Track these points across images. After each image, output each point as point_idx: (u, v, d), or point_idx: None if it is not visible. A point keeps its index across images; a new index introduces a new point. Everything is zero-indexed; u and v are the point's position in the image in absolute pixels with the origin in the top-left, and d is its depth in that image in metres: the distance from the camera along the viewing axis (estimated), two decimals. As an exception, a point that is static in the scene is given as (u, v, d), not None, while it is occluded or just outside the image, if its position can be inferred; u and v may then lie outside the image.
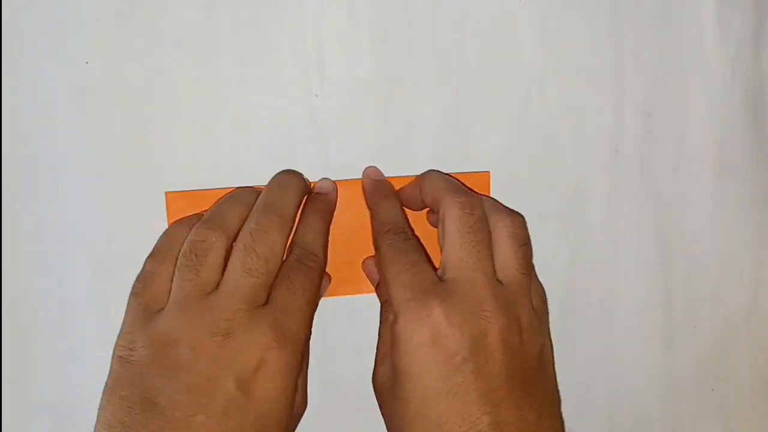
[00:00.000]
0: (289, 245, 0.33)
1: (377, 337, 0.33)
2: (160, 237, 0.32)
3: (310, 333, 0.32)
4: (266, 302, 0.30)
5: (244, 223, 0.32)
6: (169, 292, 0.30)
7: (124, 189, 0.35)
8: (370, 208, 0.35)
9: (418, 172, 0.37)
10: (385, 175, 0.36)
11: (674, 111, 0.39)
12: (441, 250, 0.32)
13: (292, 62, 0.36)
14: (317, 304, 0.32)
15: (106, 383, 0.29)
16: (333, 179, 0.35)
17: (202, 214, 0.32)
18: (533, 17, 0.37)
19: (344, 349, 0.38)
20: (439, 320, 0.29)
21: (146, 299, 0.30)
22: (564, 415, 0.39)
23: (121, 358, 0.29)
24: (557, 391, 0.32)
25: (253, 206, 0.32)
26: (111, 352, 0.32)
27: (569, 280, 0.39)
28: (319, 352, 0.35)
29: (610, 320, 0.40)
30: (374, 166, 0.36)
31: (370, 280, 0.36)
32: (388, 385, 0.31)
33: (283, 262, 0.32)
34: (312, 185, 0.35)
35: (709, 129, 0.39)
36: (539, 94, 0.38)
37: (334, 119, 0.36)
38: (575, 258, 0.39)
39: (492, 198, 0.35)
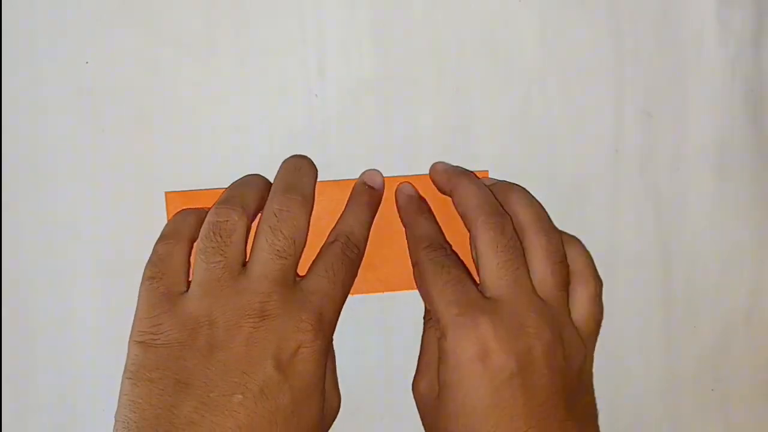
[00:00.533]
0: (333, 232, 0.33)
1: (420, 346, 0.34)
2: (168, 223, 0.32)
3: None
4: (297, 283, 0.30)
5: (261, 204, 0.32)
6: (187, 274, 0.31)
7: (124, 189, 0.35)
8: (405, 224, 0.35)
9: (419, 173, 0.37)
10: (386, 174, 0.36)
11: (674, 111, 0.39)
12: (477, 268, 0.32)
13: (292, 62, 0.36)
14: (350, 289, 0.32)
15: (127, 369, 0.29)
16: (333, 179, 0.35)
17: (205, 209, 0.32)
18: (533, 17, 0.37)
19: (344, 348, 0.38)
20: (487, 336, 0.29)
21: (165, 283, 0.30)
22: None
23: (144, 344, 0.29)
24: (595, 406, 0.33)
25: (265, 189, 0.32)
26: (110, 352, 0.32)
27: (569, 280, 0.39)
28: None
29: (610, 320, 0.39)
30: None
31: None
32: (431, 396, 0.32)
33: (323, 247, 0.32)
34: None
35: (709, 129, 0.39)
36: (539, 94, 0.38)
37: (334, 119, 0.36)
38: (575, 258, 0.39)
39: (534, 208, 0.34)
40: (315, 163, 0.35)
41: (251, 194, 0.32)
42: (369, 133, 0.36)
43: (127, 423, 0.27)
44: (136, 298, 0.30)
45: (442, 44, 0.37)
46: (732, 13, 0.39)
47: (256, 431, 0.27)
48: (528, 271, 0.32)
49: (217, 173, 0.35)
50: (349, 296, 0.34)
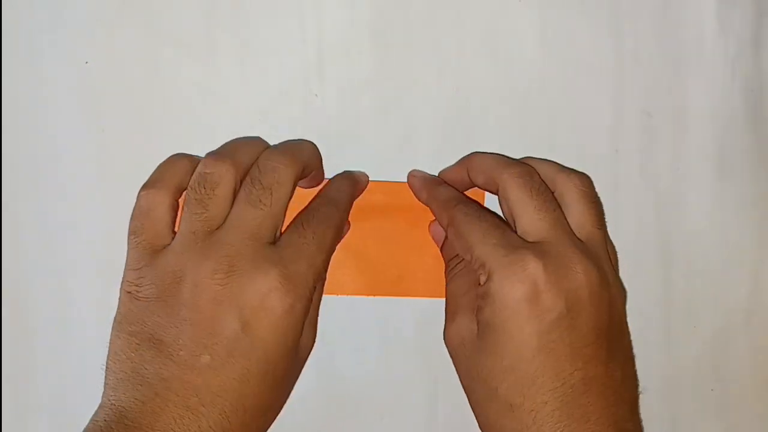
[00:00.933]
0: (314, 197, 0.32)
1: (447, 296, 0.33)
2: (157, 167, 0.31)
3: (322, 278, 0.31)
4: (275, 242, 0.30)
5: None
6: (172, 225, 0.30)
7: (124, 189, 0.35)
8: (426, 198, 0.35)
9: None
10: (384, 174, 0.36)
11: (674, 111, 0.39)
12: (513, 220, 0.32)
13: (292, 62, 0.36)
14: (331, 250, 0.31)
15: (115, 317, 0.29)
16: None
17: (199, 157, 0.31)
18: (533, 17, 0.37)
19: (344, 346, 0.38)
20: (536, 276, 0.29)
21: (147, 237, 0.30)
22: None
23: (129, 294, 0.29)
24: (632, 348, 0.33)
25: (262, 148, 0.32)
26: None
27: (569, 280, 0.39)
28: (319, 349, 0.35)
29: (610, 320, 0.40)
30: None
31: (435, 240, 0.36)
32: (470, 339, 0.31)
33: (301, 210, 0.31)
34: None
35: (709, 129, 0.39)
36: (539, 94, 0.38)
37: (334, 119, 0.36)
38: (575, 258, 0.39)
39: (551, 161, 0.35)
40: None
41: (245, 149, 0.31)
42: (369, 133, 0.36)
43: (112, 371, 0.28)
44: None
45: (442, 44, 0.37)
46: (732, 13, 0.39)
47: (227, 390, 0.27)
48: (564, 214, 0.32)
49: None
50: (345, 296, 0.34)
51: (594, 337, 0.30)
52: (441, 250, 0.36)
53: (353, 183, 0.34)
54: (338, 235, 0.32)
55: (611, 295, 0.31)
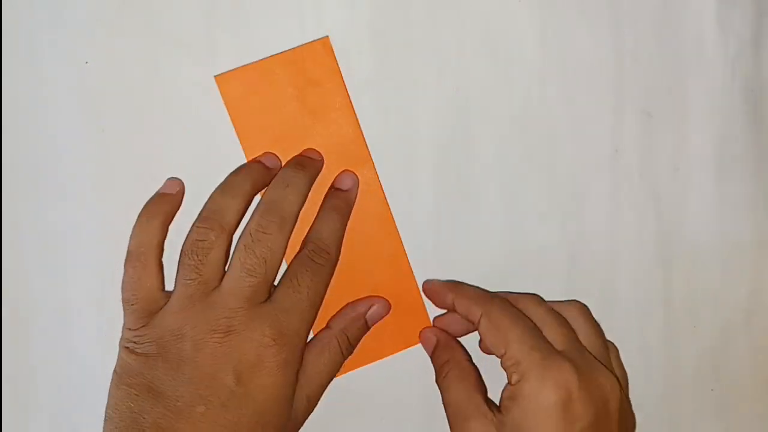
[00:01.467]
0: (304, 240, 0.34)
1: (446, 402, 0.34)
2: (131, 238, 0.33)
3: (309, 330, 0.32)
4: (268, 299, 0.31)
5: (243, 212, 0.33)
6: (162, 287, 0.32)
7: (124, 189, 0.35)
8: (453, 297, 0.35)
9: (418, 172, 0.37)
10: (385, 177, 0.36)
11: (674, 111, 0.39)
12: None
13: (292, 62, 0.36)
14: (322, 301, 0.33)
15: (114, 371, 0.31)
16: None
17: (170, 210, 0.33)
18: (533, 17, 0.37)
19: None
20: (572, 384, 0.30)
21: (141, 304, 0.32)
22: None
23: (128, 349, 0.31)
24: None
25: (248, 194, 0.33)
26: (110, 352, 0.32)
27: (569, 280, 0.39)
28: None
29: (609, 320, 0.39)
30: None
31: (426, 347, 0.37)
32: None
33: (294, 257, 0.33)
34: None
35: (709, 129, 0.39)
36: (539, 94, 0.38)
37: (334, 119, 0.36)
38: (575, 257, 0.39)
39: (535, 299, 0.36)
40: (317, 161, 0.35)
41: (233, 207, 0.32)
42: (369, 133, 0.36)
43: (111, 420, 0.30)
44: None
45: (442, 44, 0.37)
46: (732, 13, 0.39)
47: None
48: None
49: (217, 173, 0.35)
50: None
51: None
52: (431, 357, 0.36)
53: (345, 217, 0.35)
54: (327, 287, 0.33)
55: (628, 408, 0.33)
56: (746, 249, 0.41)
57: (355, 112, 0.35)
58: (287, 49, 0.35)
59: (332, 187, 0.35)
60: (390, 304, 0.36)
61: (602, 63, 0.38)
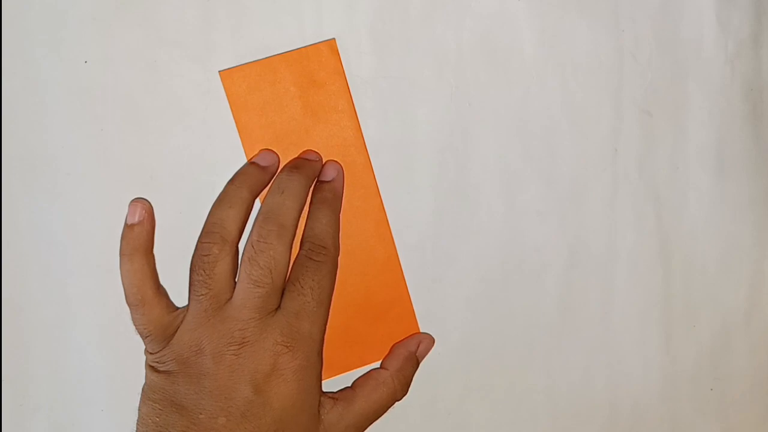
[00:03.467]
0: (301, 241, 0.34)
1: None
2: (122, 278, 0.33)
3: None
4: (279, 307, 0.32)
5: (245, 221, 0.33)
6: (172, 310, 0.33)
7: (124, 189, 0.35)
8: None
9: (418, 172, 0.37)
10: (385, 177, 0.36)
11: (674, 111, 0.39)
12: None
13: (292, 62, 0.36)
14: (331, 297, 0.33)
15: (142, 389, 0.32)
16: (333, 179, 0.35)
17: (146, 241, 0.33)
18: (533, 17, 0.37)
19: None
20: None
21: (156, 334, 0.33)
22: (563, 414, 0.39)
23: (152, 368, 0.32)
24: None
25: (247, 201, 0.33)
26: (110, 353, 0.32)
27: (568, 280, 0.39)
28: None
29: (609, 320, 0.40)
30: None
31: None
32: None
33: (294, 260, 0.33)
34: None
35: (708, 129, 0.39)
36: (539, 94, 0.38)
37: (334, 119, 0.36)
38: (574, 257, 0.39)
39: None
40: (314, 161, 0.35)
41: (232, 216, 0.33)
42: (368, 133, 0.36)
43: None
44: None
45: (442, 44, 0.37)
46: (732, 13, 0.39)
47: None
48: None
49: (217, 173, 0.35)
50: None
51: None
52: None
53: (335, 208, 0.35)
54: (334, 281, 0.34)
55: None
56: (746, 249, 0.41)
57: (357, 116, 0.35)
58: (287, 48, 0.35)
59: (317, 180, 0.35)
60: (433, 339, 0.37)
61: (602, 63, 0.38)
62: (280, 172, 0.34)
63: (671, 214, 0.40)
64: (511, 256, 0.38)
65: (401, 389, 0.35)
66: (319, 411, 0.32)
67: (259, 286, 0.31)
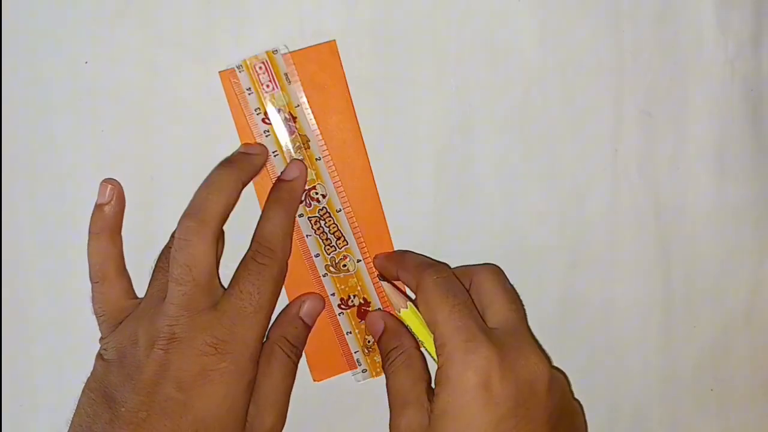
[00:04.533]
0: (251, 240, 0.33)
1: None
2: (88, 256, 0.34)
3: (262, 335, 0.32)
4: (214, 305, 0.31)
5: (224, 215, 0.32)
6: (129, 294, 0.34)
7: (124, 188, 0.35)
8: (394, 270, 0.35)
9: (418, 172, 0.37)
10: (385, 177, 0.36)
11: (674, 111, 0.39)
12: (482, 304, 0.33)
13: (292, 62, 0.36)
14: (272, 303, 0.32)
15: (88, 377, 0.32)
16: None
17: (113, 221, 0.34)
18: (533, 17, 0.37)
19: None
20: (494, 364, 0.29)
21: (109, 316, 0.33)
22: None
23: (99, 355, 0.32)
24: (585, 427, 0.34)
25: (232, 189, 0.32)
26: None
27: (569, 280, 0.39)
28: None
29: (609, 320, 0.40)
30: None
31: (372, 332, 0.36)
32: (421, 429, 0.31)
33: (240, 261, 0.32)
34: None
35: (708, 129, 0.39)
36: (539, 94, 0.38)
37: (334, 119, 0.36)
38: (575, 258, 0.39)
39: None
40: (256, 154, 0.34)
41: (214, 201, 0.32)
42: (368, 133, 0.36)
43: (71, 424, 0.31)
44: None
45: (442, 44, 0.37)
46: (731, 14, 0.39)
47: None
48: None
49: (217, 173, 0.35)
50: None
51: (548, 426, 0.30)
52: (378, 342, 0.35)
53: (289, 210, 0.34)
54: (278, 286, 0.33)
55: (561, 382, 0.32)
56: (746, 249, 0.41)
57: (356, 118, 0.35)
58: (287, 49, 0.35)
59: (278, 179, 0.34)
60: (323, 297, 0.36)
61: (602, 63, 0.38)
62: (215, 167, 0.34)
63: (672, 214, 0.40)
64: (511, 256, 0.38)
65: (291, 353, 0.33)
66: (245, 417, 0.31)
67: (180, 283, 0.30)
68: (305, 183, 0.35)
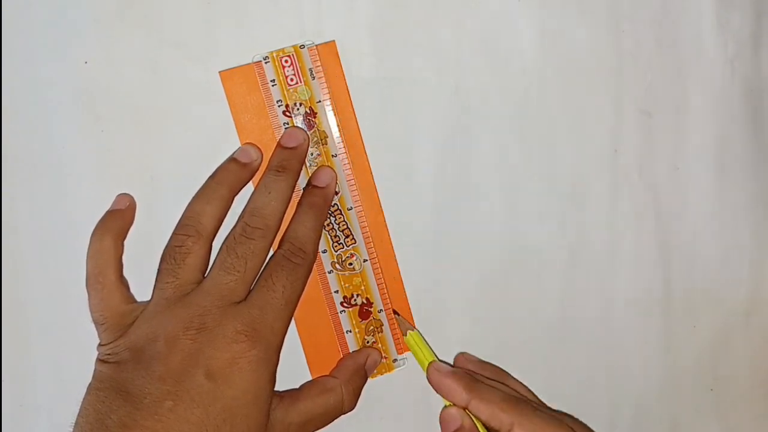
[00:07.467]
0: (281, 239, 0.34)
1: None
2: (87, 259, 0.33)
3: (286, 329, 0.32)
4: (244, 300, 0.32)
5: (221, 219, 0.33)
6: (128, 299, 0.33)
7: (124, 189, 0.35)
8: (471, 400, 0.34)
9: (418, 172, 0.37)
10: (385, 177, 0.36)
11: (674, 111, 0.39)
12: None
13: (292, 62, 0.36)
14: (298, 301, 0.33)
15: (88, 385, 0.31)
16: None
17: (122, 226, 0.34)
18: (533, 17, 0.37)
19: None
20: None
21: (111, 322, 0.32)
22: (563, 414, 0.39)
23: (102, 361, 0.32)
24: None
25: (225, 198, 0.33)
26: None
27: (569, 280, 0.39)
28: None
29: (609, 320, 0.40)
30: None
31: (444, 429, 0.35)
32: None
33: (271, 257, 0.33)
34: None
35: (708, 129, 0.39)
36: (539, 94, 0.38)
37: (334, 119, 0.36)
38: (575, 258, 0.39)
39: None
40: (299, 161, 0.35)
41: (210, 212, 0.33)
42: (368, 133, 0.36)
43: (77, 425, 0.30)
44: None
45: (442, 44, 0.37)
46: (731, 13, 0.39)
47: None
48: None
49: (217, 173, 0.35)
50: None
51: None
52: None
53: (321, 215, 0.35)
54: (305, 285, 0.33)
55: None
56: (746, 249, 0.41)
57: (356, 118, 0.35)
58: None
59: (309, 184, 0.35)
60: (381, 352, 0.37)
61: (602, 63, 0.38)
62: (268, 170, 0.34)
63: (671, 213, 0.40)
64: (511, 257, 0.38)
65: (349, 399, 0.34)
66: (269, 408, 0.32)
67: (230, 273, 0.31)
68: (336, 187, 0.35)
